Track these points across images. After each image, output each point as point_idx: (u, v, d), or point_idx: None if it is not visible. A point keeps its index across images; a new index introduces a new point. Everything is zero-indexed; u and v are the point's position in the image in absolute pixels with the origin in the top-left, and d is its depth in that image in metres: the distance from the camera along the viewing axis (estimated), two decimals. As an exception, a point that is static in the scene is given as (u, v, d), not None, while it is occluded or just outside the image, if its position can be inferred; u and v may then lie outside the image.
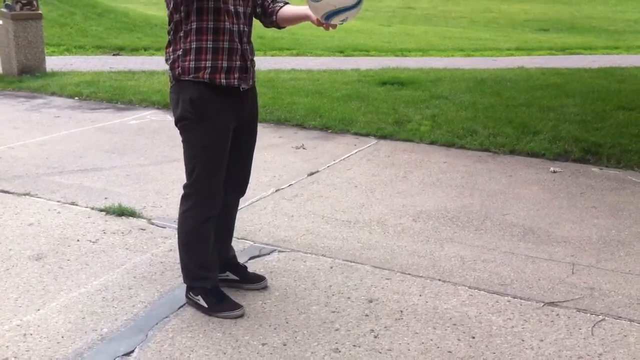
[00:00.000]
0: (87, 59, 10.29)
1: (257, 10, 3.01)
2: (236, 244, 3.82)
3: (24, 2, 8.64)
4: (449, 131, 6.32)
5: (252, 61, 2.96)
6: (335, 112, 6.96)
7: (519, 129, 6.33)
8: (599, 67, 10.86)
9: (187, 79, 2.81)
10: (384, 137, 6.26)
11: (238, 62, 2.84)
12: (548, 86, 8.62)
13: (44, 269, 3.48)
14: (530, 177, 5.19)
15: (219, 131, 2.87)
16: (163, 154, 5.56)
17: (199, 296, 3.09)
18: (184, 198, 3.01)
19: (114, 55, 10.74)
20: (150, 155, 5.53)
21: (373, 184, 4.93)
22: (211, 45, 2.78)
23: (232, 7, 2.80)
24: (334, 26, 2.73)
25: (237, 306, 3.07)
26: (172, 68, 2.86)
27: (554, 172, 5.28)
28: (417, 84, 8.74)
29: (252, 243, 3.86)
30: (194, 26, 2.76)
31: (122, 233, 3.97)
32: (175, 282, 3.33)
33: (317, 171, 5.21)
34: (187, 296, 3.15)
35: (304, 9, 2.87)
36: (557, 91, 8.25)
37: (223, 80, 2.82)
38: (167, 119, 6.72)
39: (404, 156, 5.69)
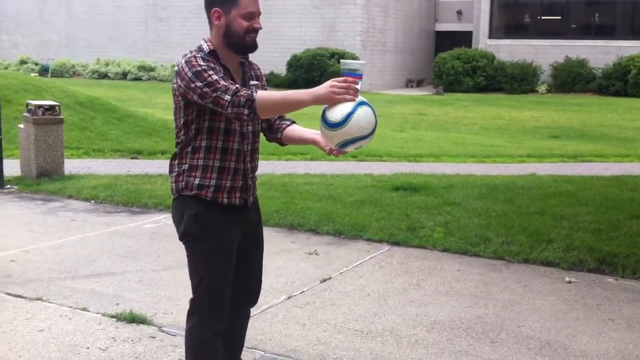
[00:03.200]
0: (105, 162, 10.50)
1: (262, 125, 3.04)
2: (246, 354, 3.76)
3: (47, 107, 8.92)
4: (462, 238, 6.31)
5: (253, 178, 2.99)
6: (348, 218, 7.00)
7: (533, 237, 6.32)
8: (611, 175, 10.92)
9: (189, 194, 2.85)
10: (396, 243, 6.25)
11: (240, 182, 2.89)
12: (560, 194, 8.65)
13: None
14: (545, 287, 5.13)
15: (223, 246, 2.89)
16: (176, 259, 5.57)
17: None
18: (190, 314, 2.98)
19: (131, 158, 10.96)
20: (164, 260, 5.54)
21: (386, 292, 4.89)
22: (218, 164, 2.83)
23: (243, 128, 2.87)
24: (345, 152, 2.79)
25: None
26: (175, 181, 2.90)
27: (569, 282, 5.22)
28: (430, 189, 8.80)
29: (262, 353, 3.80)
30: (204, 144, 2.82)
31: (132, 341, 3.93)
32: (184, 394, 3.26)
33: (330, 278, 5.19)
34: None
35: (312, 133, 2.94)
36: (569, 199, 8.27)
37: (225, 200, 2.86)
38: (181, 223, 6.77)
39: (417, 263, 5.66)
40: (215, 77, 2.66)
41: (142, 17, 31.70)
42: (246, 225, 3.00)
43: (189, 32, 28.75)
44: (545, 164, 12.49)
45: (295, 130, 3.02)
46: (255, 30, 2.80)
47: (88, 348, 3.85)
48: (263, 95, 2.64)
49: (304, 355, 3.75)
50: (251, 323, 4.22)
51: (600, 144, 15.49)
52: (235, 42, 2.79)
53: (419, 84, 31.96)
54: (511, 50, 28.74)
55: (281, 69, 27.68)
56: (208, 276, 2.89)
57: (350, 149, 2.72)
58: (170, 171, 2.94)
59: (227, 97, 2.62)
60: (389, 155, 12.56)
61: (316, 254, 5.84)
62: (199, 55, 2.76)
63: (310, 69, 26.57)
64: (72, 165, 9.66)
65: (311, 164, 10.88)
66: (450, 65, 28.21)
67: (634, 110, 21.02)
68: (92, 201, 7.73)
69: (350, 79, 2.63)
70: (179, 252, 5.76)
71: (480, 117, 19.77)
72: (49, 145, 8.87)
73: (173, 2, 30.80)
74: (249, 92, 2.63)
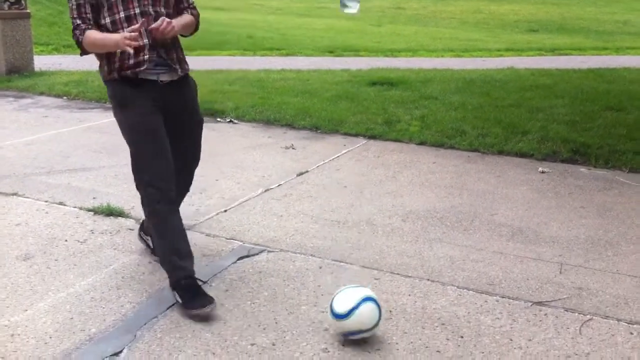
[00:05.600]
0: (75, 59, 10.22)
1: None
2: (225, 244, 3.82)
3: (12, 0, 8.59)
4: (438, 131, 6.34)
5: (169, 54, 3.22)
6: (324, 112, 6.97)
7: (508, 129, 6.36)
8: (588, 68, 10.92)
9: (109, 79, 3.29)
10: (373, 137, 6.26)
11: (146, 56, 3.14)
12: (537, 87, 8.65)
13: (31, 270, 3.46)
14: (518, 177, 5.21)
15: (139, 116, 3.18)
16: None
17: (175, 291, 3.12)
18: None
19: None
20: (139, 155, 5.50)
21: (362, 184, 4.93)
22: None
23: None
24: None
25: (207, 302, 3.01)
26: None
27: (543, 172, 5.30)
28: (407, 84, 8.75)
29: (241, 243, 3.85)
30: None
31: (111, 233, 3.95)
32: (163, 282, 3.31)
33: (307, 171, 5.21)
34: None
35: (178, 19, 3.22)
36: (546, 92, 8.29)
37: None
38: (156, 119, 6.70)
39: (393, 156, 5.70)
40: (75, 11, 3.13)
41: None
42: (164, 102, 3.19)
43: None
44: (523, 57, 12.42)
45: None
46: None
47: (66, 241, 3.86)
48: (86, 37, 3.09)
49: (281, 245, 3.81)
50: (228, 215, 4.27)
51: (579, 37, 15.40)
52: None
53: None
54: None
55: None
56: (133, 147, 3.18)
57: (353, 337, 2.80)
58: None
59: (73, 32, 3.15)
60: (366, 50, 12.39)
61: (293, 148, 5.84)
62: None
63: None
64: (42, 62, 9.42)
65: (287, 60, 10.70)
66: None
67: (613, 3, 20.78)
68: (65, 97, 7.59)
69: (137, 32, 2.97)
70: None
71: (459, 11, 19.44)
72: (17, 40, 8.60)
73: None
74: (78, 33, 3.12)
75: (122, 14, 3.11)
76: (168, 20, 3.05)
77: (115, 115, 3.25)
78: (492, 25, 17.46)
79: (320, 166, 5.36)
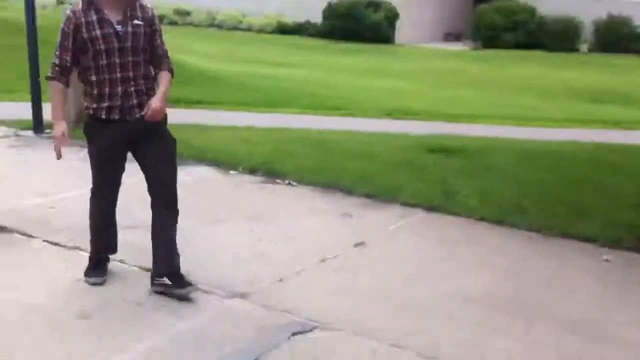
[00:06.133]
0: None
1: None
2: (278, 317, 3.79)
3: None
4: (498, 207, 6.22)
5: (139, 98, 3.97)
6: (383, 179, 6.93)
7: (572, 209, 6.19)
8: (655, 145, 10.64)
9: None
10: (431, 209, 6.19)
11: (119, 102, 3.92)
12: (603, 163, 8.44)
13: (89, 329, 3.49)
14: (581, 264, 5.05)
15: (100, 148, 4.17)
16: (214, 214, 5.60)
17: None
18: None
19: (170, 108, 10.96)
20: (201, 215, 5.56)
21: (420, 261, 4.86)
22: (96, 92, 4.01)
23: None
24: None
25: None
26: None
27: (607, 260, 5.13)
28: (466, 152, 8.67)
29: (294, 317, 3.82)
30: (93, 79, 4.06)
31: (168, 296, 3.97)
32: (218, 352, 3.29)
33: (363, 242, 5.17)
34: None
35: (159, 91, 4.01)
36: (612, 169, 8.08)
37: (103, 115, 4.03)
38: (218, 177, 6.79)
39: (452, 231, 5.61)
40: (58, 49, 3.88)
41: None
42: (136, 135, 3.96)
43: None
44: (586, 129, 12.21)
45: (158, 79, 4.04)
46: None
47: (124, 300, 3.91)
48: (53, 84, 3.91)
49: (336, 323, 3.76)
50: (283, 285, 4.26)
51: (644, 111, 15.06)
52: None
53: (457, 37, 31.28)
54: (553, 5, 27.83)
55: (317, 18, 27.22)
56: (91, 167, 4.14)
57: None
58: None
59: (50, 65, 3.92)
60: (424, 114, 12.38)
61: (350, 216, 5.82)
62: (71, 11, 3.83)
63: (347, 18, 26.10)
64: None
65: (346, 120, 10.78)
66: (489, 19, 27.48)
67: (681, 75, 20.37)
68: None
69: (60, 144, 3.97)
70: (216, 207, 5.80)
71: (519, 75, 19.35)
72: (88, 89, 8.89)
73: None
74: (51, 72, 3.89)
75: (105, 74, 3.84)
76: (154, 107, 3.84)
77: (86, 138, 4.11)
78: (554, 93, 17.28)
79: (377, 237, 5.31)
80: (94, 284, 4.10)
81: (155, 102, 3.87)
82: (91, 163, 4.13)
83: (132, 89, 3.89)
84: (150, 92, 3.97)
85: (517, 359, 3.49)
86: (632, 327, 3.99)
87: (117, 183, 4.23)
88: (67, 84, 3.93)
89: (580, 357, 3.54)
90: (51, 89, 3.93)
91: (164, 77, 4.02)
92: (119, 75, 3.83)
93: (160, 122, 3.99)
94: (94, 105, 3.89)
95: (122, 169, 4.20)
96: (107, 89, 3.83)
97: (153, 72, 4.04)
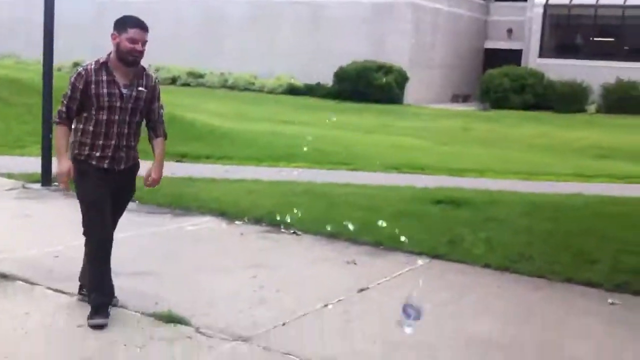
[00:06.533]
0: (148, 163, 10.64)
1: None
2: (281, 360, 3.76)
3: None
4: (503, 255, 6.21)
5: (128, 153, 4.42)
6: (388, 229, 6.95)
7: (577, 257, 6.18)
8: (661, 198, 10.62)
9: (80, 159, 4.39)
10: (436, 256, 6.18)
11: (109, 153, 4.32)
12: (608, 215, 8.44)
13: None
14: (587, 308, 5.01)
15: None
16: (218, 261, 5.62)
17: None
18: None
19: (176, 161, 11.09)
20: (204, 263, 5.58)
21: (423, 306, 4.83)
22: (89, 142, 4.36)
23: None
24: None
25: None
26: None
27: (612, 304, 5.09)
28: (473, 204, 8.69)
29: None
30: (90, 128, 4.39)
31: (169, 340, 3.96)
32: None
33: (367, 288, 5.16)
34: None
35: (155, 160, 4.56)
36: (618, 220, 8.07)
37: (94, 162, 4.36)
38: (222, 227, 6.83)
39: (456, 278, 5.60)
40: (66, 100, 4.28)
41: (196, 24, 31.84)
42: (116, 183, 4.33)
43: (243, 42, 29.08)
44: (592, 184, 12.22)
45: (154, 145, 4.54)
46: (135, 51, 4.19)
47: (125, 345, 3.90)
48: (58, 129, 4.30)
49: (338, 364, 3.73)
50: (286, 329, 4.24)
51: (651, 166, 15.08)
52: (121, 57, 4.23)
53: (465, 99, 31.71)
54: (561, 70, 28.21)
55: (327, 80, 27.71)
56: (84, 208, 4.34)
57: None
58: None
59: (57, 111, 4.32)
60: (431, 169, 12.45)
61: (354, 264, 5.82)
62: (83, 69, 4.31)
63: (356, 81, 26.57)
64: (118, 166, 9.80)
65: (352, 174, 10.86)
66: (498, 82, 27.89)
67: (687, 132, 20.48)
68: (137, 201, 7.84)
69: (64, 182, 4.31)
70: (219, 256, 5.82)
71: (527, 134, 19.51)
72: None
73: (227, 11, 30.98)
74: (58, 117, 4.29)
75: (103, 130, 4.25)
76: (154, 178, 4.51)
77: (75, 182, 4.33)
78: (560, 150, 17.38)
79: (381, 284, 5.30)
80: (100, 325, 4.13)
81: (156, 174, 4.50)
82: (82, 206, 4.35)
83: (124, 143, 4.31)
84: (135, 147, 4.44)
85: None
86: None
87: (108, 221, 4.41)
88: (70, 128, 4.35)
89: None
90: (58, 132, 4.31)
91: (159, 145, 4.51)
92: (115, 130, 4.25)
93: (135, 176, 4.52)
94: (86, 152, 4.26)
95: (110, 209, 4.41)
96: (101, 141, 4.24)
97: (148, 135, 4.52)
